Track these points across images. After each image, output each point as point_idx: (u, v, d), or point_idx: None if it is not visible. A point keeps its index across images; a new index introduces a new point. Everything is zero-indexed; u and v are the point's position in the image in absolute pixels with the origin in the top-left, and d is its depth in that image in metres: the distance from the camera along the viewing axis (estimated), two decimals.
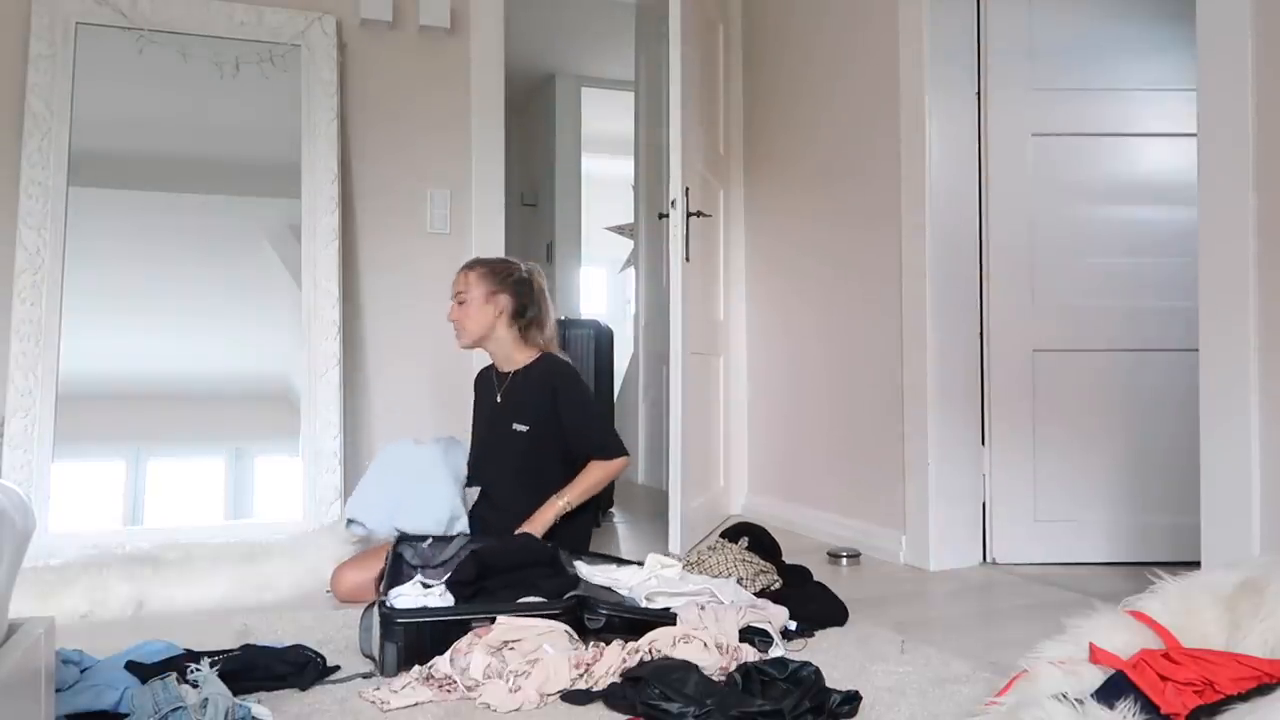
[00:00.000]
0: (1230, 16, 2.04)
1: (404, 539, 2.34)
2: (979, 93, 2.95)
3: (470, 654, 1.77)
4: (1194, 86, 2.13)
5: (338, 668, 1.86)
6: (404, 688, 1.72)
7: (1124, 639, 1.51)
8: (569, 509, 2.60)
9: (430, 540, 2.34)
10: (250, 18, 3.30)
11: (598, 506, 3.80)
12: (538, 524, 2.55)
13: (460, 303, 2.72)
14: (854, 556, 3.02)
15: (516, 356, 2.75)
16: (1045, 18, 2.96)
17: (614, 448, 2.70)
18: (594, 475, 2.65)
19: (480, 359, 3.15)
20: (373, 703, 1.68)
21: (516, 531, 2.51)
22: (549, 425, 2.65)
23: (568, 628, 1.91)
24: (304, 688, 1.76)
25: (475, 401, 2.92)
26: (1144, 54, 2.96)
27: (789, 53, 3.66)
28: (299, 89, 3.34)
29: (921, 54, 2.89)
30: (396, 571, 2.19)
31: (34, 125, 3.04)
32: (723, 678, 1.71)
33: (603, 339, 4.06)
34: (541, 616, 1.92)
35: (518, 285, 2.74)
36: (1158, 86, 2.94)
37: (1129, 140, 2.96)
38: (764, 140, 3.85)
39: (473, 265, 2.79)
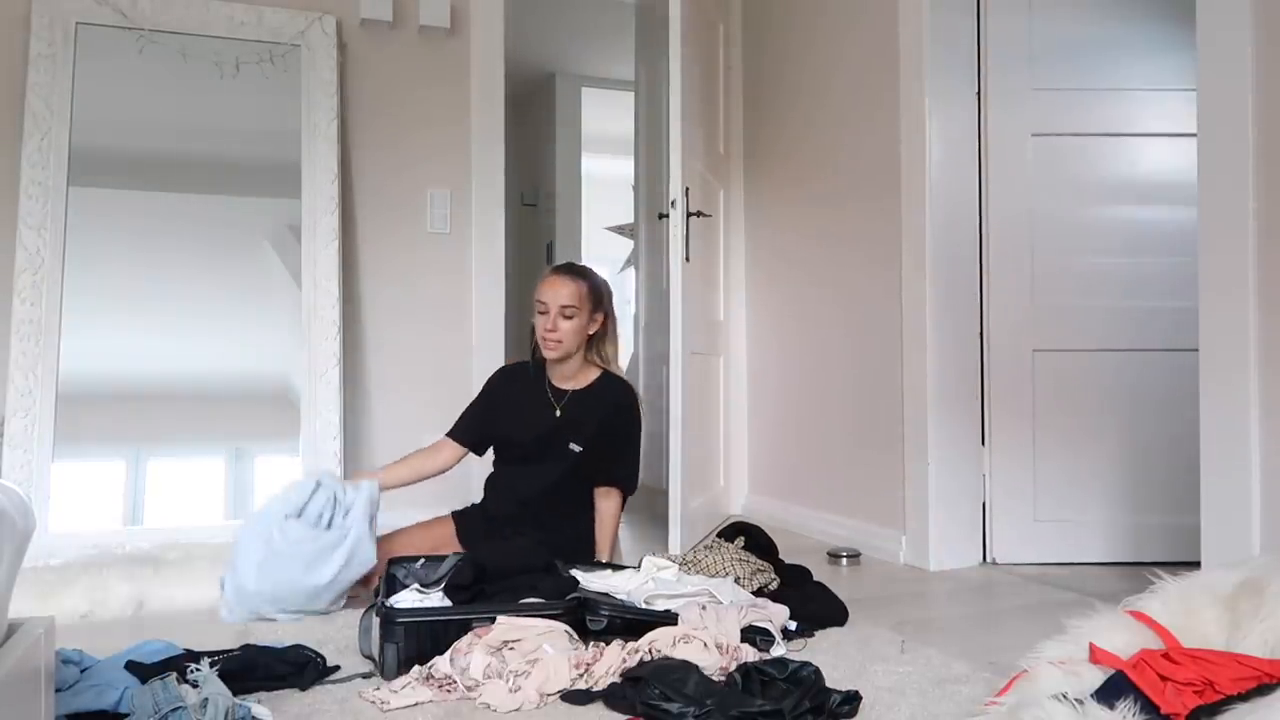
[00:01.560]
0: (1230, 16, 2.04)
1: (396, 560, 2.30)
2: (979, 93, 2.95)
3: (470, 654, 1.77)
4: (1194, 86, 2.13)
5: (338, 668, 1.87)
6: (404, 688, 1.72)
7: (1124, 639, 1.51)
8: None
9: (423, 560, 2.30)
10: (250, 18, 3.30)
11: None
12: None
13: (568, 317, 2.64)
14: (854, 556, 3.02)
15: (579, 375, 2.75)
16: (1045, 18, 2.95)
17: (635, 482, 2.76)
18: (614, 516, 2.74)
19: (492, 357, 3.13)
20: (373, 703, 1.68)
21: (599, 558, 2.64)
22: (596, 446, 2.68)
23: (568, 628, 1.91)
24: (304, 688, 1.76)
25: (493, 396, 2.81)
26: (1144, 54, 2.95)
27: (789, 52, 3.66)
28: (299, 89, 3.34)
29: (922, 53, 2.89)
30: (390, 593, 2.13)
31: (34, 125, 3.04)
32: (722, 678, 1.71)
33: None
34: (542, 617, 1.92)
35: (609, 308, 2.78)
36: (1158, 86, 2.94)
37: (1129, 140, 2.95)
38: (764, 140, 3.85)
39: (579, 278, 2.70)
